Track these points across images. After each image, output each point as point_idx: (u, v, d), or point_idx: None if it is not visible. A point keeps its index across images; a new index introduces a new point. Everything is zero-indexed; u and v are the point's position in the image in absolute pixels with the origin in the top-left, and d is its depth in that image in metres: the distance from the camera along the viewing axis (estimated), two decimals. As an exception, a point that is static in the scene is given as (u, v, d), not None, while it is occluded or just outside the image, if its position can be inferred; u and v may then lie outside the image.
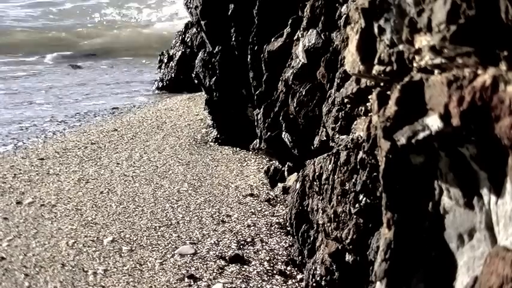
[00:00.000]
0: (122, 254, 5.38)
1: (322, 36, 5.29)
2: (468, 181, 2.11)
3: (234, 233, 5.72)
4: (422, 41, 2.04)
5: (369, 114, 3.50)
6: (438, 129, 2.03)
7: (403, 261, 2.44)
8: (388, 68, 2.35)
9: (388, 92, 2.43)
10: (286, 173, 6.70)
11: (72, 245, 5.55)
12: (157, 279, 4.94)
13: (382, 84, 2.50)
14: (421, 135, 2.12)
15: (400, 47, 2.24)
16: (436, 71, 2.06)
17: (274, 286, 4.88)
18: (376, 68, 2.44)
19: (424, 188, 2.33)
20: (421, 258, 2.39)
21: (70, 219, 6.15)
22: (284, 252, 5.34)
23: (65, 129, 9.95)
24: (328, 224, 3.92)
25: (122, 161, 8.03)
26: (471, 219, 2.15)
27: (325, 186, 4.05)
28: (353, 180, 3.61)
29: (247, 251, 5.36)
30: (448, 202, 2.25)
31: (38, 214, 6.30)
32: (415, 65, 2.16)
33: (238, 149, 8.41)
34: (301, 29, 5.73)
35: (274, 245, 5.49)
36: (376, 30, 2.37)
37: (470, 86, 1.86)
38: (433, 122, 2.05)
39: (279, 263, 5.16)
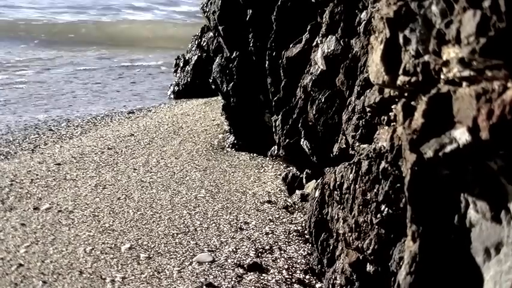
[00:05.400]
0: (140, 262, 5.35)
1: (342, 43, 5.25)
2: (496, 194, 2.09)
3: (252, 241, 5.69)
4: (451, 53, 2.01)
5: (392, 123, 3.46)
6: (466, 143, 2.00)
7: (429, 275, 2.40)
8: (414, 79, 2.32)
9: (413, 103, 2.40)
10: (304, 180, 6.67)
11: (90, 252, 5.54)
12: (175, 287, 4.92)
13: (406, 94, 2.47)
14: (448, 149, 2.09)
15: (426, 57, 2.21)
16: (464, 84, 2.03)
17: (293, 295, 4.86)
18: (401, 79, 2.41)
19: (450, 201, 2.30)
20: (446, 271, 2.36)
21: (87, 225, 6.14)
22: (303, 260, 5.30)
23: (81, 133, 9.95)
24: (349, 234, 3.89)
25: (138, 167, 8.02)
26: (498, 233, 2.12)
27: (346, 195, 4.01)
28: (375, 190, 3.57)
29: (266, 259, 5.33)
30: (475, 215, 2.22)
31: (56, 220, 6.29)
32: (442, 76, 2.13)
33: (255, 154, 8.40)
34: (320, 35, 5.70)
35: (292, 253, 5.45)
36: (401, 40, 2.34)
37: (499, 99, 1.83)
38: (461, 135, 2.01)
39: (298, 272, 5.12)
